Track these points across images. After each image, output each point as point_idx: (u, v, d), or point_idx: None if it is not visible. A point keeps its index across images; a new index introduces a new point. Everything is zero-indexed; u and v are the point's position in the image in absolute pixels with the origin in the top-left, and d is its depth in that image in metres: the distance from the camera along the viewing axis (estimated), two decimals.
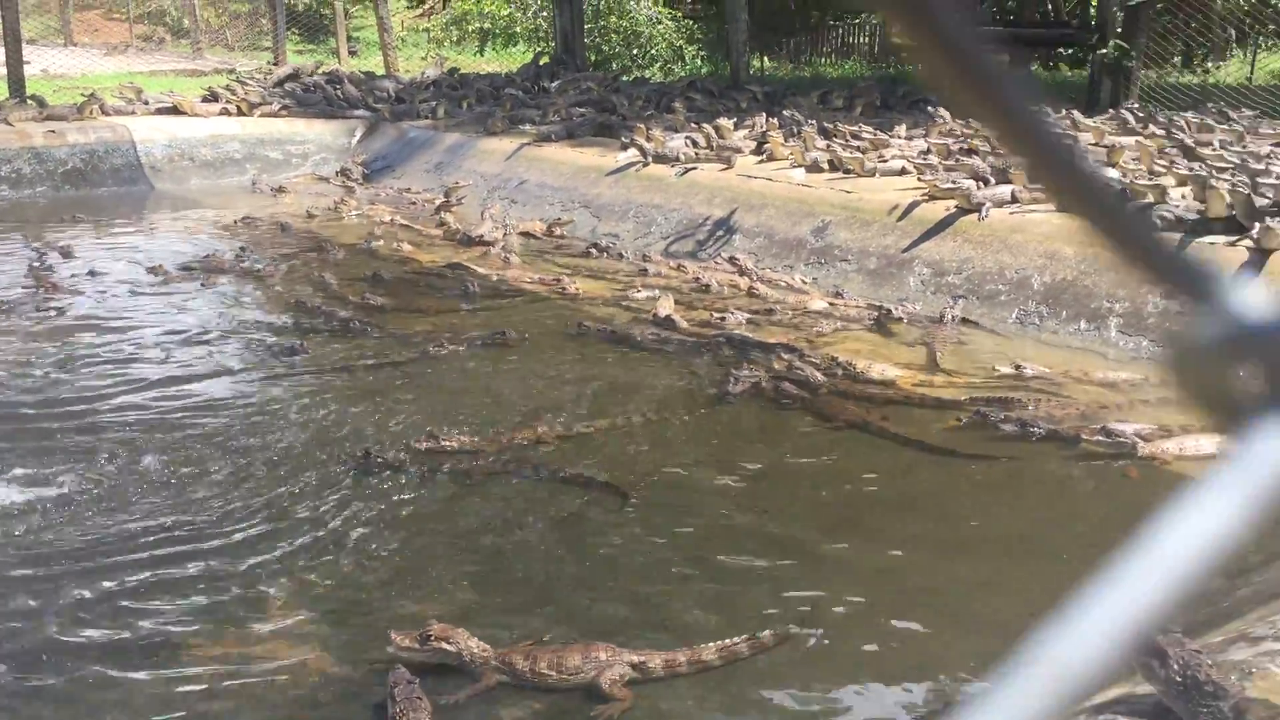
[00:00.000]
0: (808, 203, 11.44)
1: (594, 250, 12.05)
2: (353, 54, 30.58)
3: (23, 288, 10.53)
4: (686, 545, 5.44)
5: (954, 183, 10.25)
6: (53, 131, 16.81)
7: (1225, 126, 12.64)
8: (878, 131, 13.59)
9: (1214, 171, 9.50)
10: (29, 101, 17.85)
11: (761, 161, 13.04)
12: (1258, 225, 8.14)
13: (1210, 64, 21.16)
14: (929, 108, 14.88)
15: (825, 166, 12.16)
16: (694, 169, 13.02)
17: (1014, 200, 10.00)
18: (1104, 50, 16.02)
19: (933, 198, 10.35)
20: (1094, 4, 16.51)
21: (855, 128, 13.90)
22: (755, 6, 23.82)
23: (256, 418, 7.16)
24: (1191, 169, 9.75)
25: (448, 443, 6.48)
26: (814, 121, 14.36)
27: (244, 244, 12.41)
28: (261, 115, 18.62)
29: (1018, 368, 7.73)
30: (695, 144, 13.68)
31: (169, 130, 17.67)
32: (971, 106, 0.49)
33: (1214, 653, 3.13)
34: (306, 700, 4.20)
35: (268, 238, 13.02)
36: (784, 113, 15.34)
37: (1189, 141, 11.35)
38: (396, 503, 5.88)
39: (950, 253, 9.84)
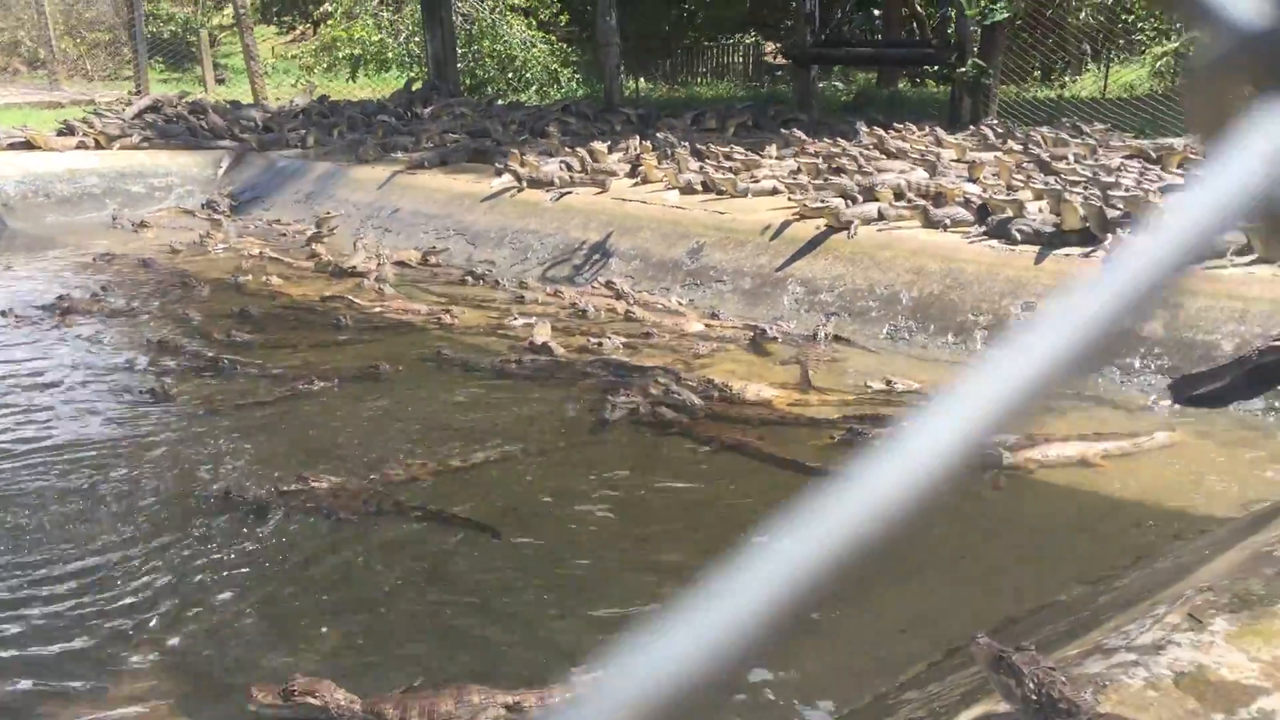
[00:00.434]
0: (682, 224, 11.51)
1: (470, 278, 11.91)
2: (220, 82, 29.88)
3: None
4: (562, 578, 5.36)
5: (823, 201, 10.42)
6: None
7: (1079, 140, 13.14)
8: (749, 152, 13.78)
9: (1068, 185, 9.84)
10: None
11: (636, 184, 13.09)
12: (1110, 236, 8.45)
13: (1067, 79, 22.04)
14: (796, 130, 15.13)
15: (699, 188, 12.25)
16: (569, 193, 12.99)
17: (881, 218, 10.21)
18: (963, 69, 16.52)
19: (803, 217, 10.50)
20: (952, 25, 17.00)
21: (728, 149, 14.07)
22: (631, 29, 24.01)
23: (112, 465, 6.83)
24: (1048, 183, 10.09)
25: (316, 483, 6.29)
26: (687, 143, 14.50)
27: (104, 282, 11.93)
28: (121, 148, 17.98)
29: (889, 383, 7.87)
30: (570, 168, 13.67)
31: (22, 166, 16.93)
32: None
33: (1070, 666, 3.18)
34: None
35: (129, 275, 12.54)
36: (658, 135, 15.44)
37: (1045, 156, 11.75)
38: (259, 548, 5.67)
39: (822, 271, 9.99)
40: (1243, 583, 3.67)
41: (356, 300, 10.82)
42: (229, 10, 30.48)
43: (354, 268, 12.26)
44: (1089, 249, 8.65)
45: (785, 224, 10.59)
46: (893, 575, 5.34)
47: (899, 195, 10.64)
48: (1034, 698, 2.83)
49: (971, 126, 15.24)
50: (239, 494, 6.12)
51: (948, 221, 9.81)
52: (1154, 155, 11.72)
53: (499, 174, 13.88)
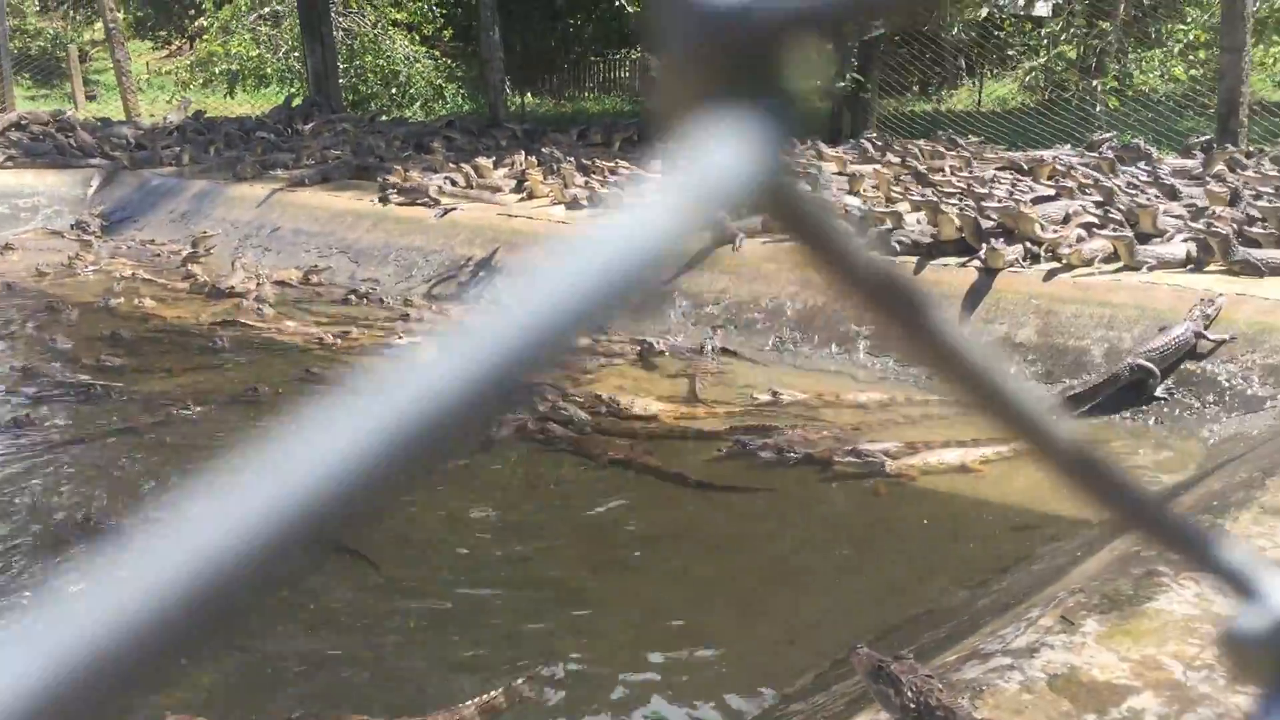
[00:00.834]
0: (567, 239, 11.44)
1: (353, 297, 11.68)
2: (92, 99, 28.88)
3: None
4: (445, 603, 5.25)
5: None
6: None
7: (954, 153, 13.47)
8: (635, 166, 13.80)
9: (944, 197, 10.07)
10: None
11: (522, 200, 13.01)
12: (984, 246, 8.67)
13: (943, 93, 22.64)
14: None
15: (585, 203, 12.22)
16: (454, 210, 12.84)
17: (765, 230, 10.30)
18: (841, 84, 16.84)
19: None
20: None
21: (613, 163, 14.06)
22: (516, 44, 23.90)
23: None
24: (924, 195, 10.32)
25: None
26: (573, 158, 14.45)
27: None
28: None
29: (775, 394, 7.93)
30: (455, 184, 13.52)
31: None
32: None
33: (949, 672, 3.21)
34: None
35: None
36: (543, 150, 15.36)
37: (922, 168, 12.01)
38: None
39: (708, 284, 10.04)
40: (1112, 583, 3.76)
41: (245, 320, 10.52)
42: (100, 25, 29.47)
43: (232, 288, 11.92)
44: (965, 259, 8.86)
45: None
46: (780, 586, 5.37)
47: None
48: (912, 706, 2.84)
49: (851, 140, 15.52)
50: (101, 521, 5.86)
51: None
52: (1025, 167, 12.06)
53: (382, 190, 13.65)
